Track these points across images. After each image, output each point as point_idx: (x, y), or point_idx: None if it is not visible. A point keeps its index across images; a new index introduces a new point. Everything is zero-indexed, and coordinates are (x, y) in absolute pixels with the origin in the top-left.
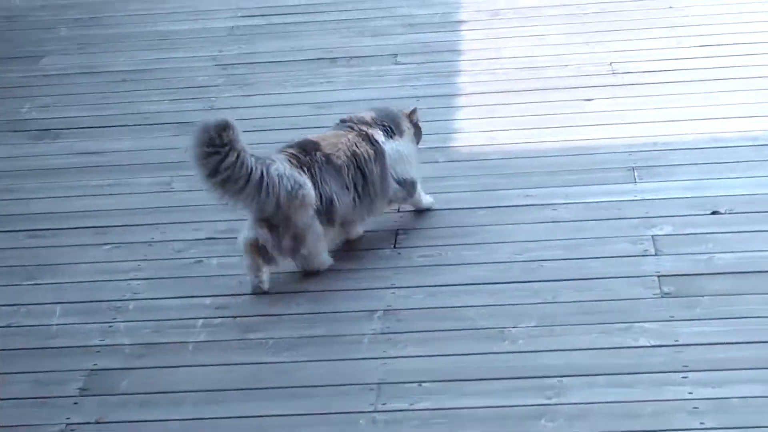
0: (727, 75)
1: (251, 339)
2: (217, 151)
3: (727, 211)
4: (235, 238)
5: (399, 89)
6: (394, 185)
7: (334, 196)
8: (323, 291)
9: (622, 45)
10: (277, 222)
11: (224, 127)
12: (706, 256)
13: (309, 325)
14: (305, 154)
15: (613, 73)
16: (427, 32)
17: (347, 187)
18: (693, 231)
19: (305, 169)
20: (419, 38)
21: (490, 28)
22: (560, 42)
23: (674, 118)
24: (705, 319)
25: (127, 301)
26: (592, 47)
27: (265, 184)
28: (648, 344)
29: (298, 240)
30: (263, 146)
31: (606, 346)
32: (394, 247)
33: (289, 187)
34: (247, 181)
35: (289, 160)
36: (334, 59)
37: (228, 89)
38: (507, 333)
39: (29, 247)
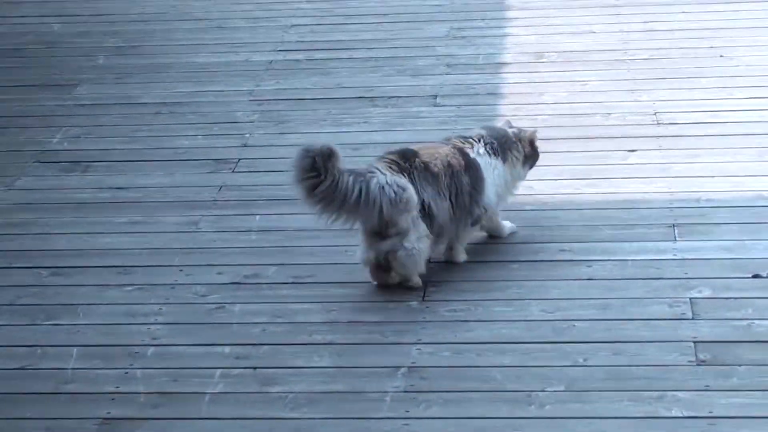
0: None
1: (270, 392)
2: (313, 176)
3: None
4: (259, 284)
5: (437, 132)
6: (485, 203)
7: (432, 202)
8: (347, 344)
9: (668, 94)
10: (386, 231)
11: (328, 155)
12: (745, 323)
13: (331, 380)
14: (405, 160)
15: (658, 124)
16: (468, 73)
17: (443, 195)
18: (733, 295)
19: (405, 174)
20: (460, 79)
21: (533, 72)
22: (604, 89)
23: (719, 173)
24: (741, 390)
25: (145, 347)
26: (637, 95)
27: (363, 199)
28: (681, 415)
29: (401, 236)
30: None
31: (637, 416)
32: (423, 299)
33: (393, 194)
34: (344, 201)
35: (390, 167)
36: (372, 99)
37: (263, 126)
38: (534, 397)
39: (50, 285)
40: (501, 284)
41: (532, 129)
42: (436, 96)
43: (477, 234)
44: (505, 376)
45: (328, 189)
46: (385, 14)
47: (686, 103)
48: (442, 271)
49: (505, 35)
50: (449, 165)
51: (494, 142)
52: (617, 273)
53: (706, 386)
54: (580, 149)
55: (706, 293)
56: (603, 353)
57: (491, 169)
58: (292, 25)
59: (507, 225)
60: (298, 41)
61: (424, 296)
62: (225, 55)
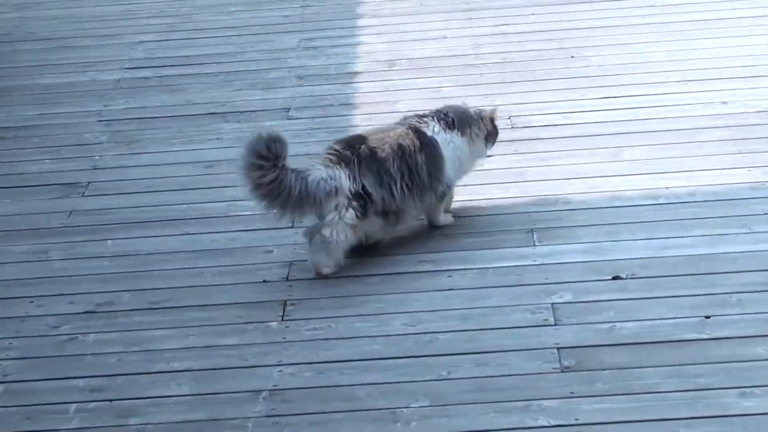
0: (630, 129)
1: (128, 425)
2: (262, 165)
3: (629, 276)
4: (113, 311)
5: (291, 146)
6: (448, 174)
7: (371, 189)
8: (206, 370)
9: (521, 97)
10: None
11: (274, 140)
12: (607, 326)
13: (190, 409)
14: (348, 149)
15: (512, 128)
16: (320, 84)
17: (393, 178)
18: (593, 298)
19: (343, 163)
20: (312, 91)
21: (386, 80)
22: (458, 94)
23: (574, 175)
24: (606, 395)
25: None
26: (491, 100)
27: (304, 198)
28: (547, 424)
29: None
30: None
31: (503, 427)
32: (283, 319)
33: (327, 189)
34: (287, 198)
35: (330, 160)
36: (224, 114)
37: (112, 147)
38: (399, 414)
39: None
40: (361, 299)
41: (492, 107)
42: (289, 109)
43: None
44: (369, 394)
45: (274, 182)
46: (234, 27)
47: (539, 106)
48: (301, 288)
49: (356, 44)
50: (399, 146)
51: (451, 116)
52: (478, 282)
53: (572, 393)
54: None
55: (568, 298)
56: (467, 365)
57: (448, 144)
58: (140, 42)
59: (446, 218)
60: (146, 58)
61: (283, 316)
62: (71, 75)
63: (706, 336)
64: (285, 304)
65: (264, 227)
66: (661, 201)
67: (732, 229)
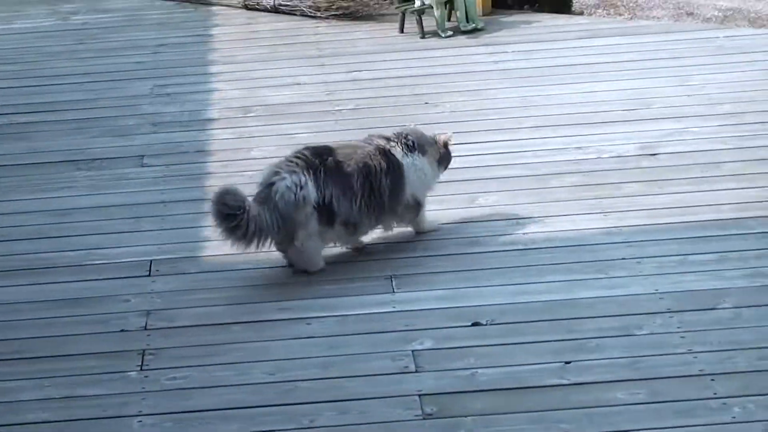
0: (486, 175)
1: None
2: (229, 215)
3: (488, 322)
4: None
5: (146, 193)
6: (406, 200)
7: (334, 200)
8: (64, 422)
9: None
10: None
11: (231, 193)
12: (468, 372)
13: None
14: (317, 157)
15: None
16: (175, 131)
17: (354, 193)
18: (454, 345)
19: (311, 170)
20: (167, 138)
21: (241, 127)
22: (314, 140)
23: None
24: None
25: None
26: None
27: (275, 222)
28: None
29: (291, 234)
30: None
31: None
32: (141, 369)
33: (295, 200)
34: (262, 229)
35: (296, 163)
36: (77, 162)
37: None
38: None
39: None
40: (221, 348)
41: (446, 134)
42: (144, 156)
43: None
44: None
45: (242, 227)
46: (86, 74)
47: None
48: (160, 337)
49: (210, 90)
50: (365, 165)
51: (411, 139)
52: (338, 329)
53: None
54: None
55: (428, 344)
56: (328, 413)
57: (411, 166)
58: None
59: (431, 224)
60: None
61: (142, 365)
62: None
63: (566, 381)
64: (144, 354)
65: (120, 276)
66: (519, 247)
67: (588, 274)
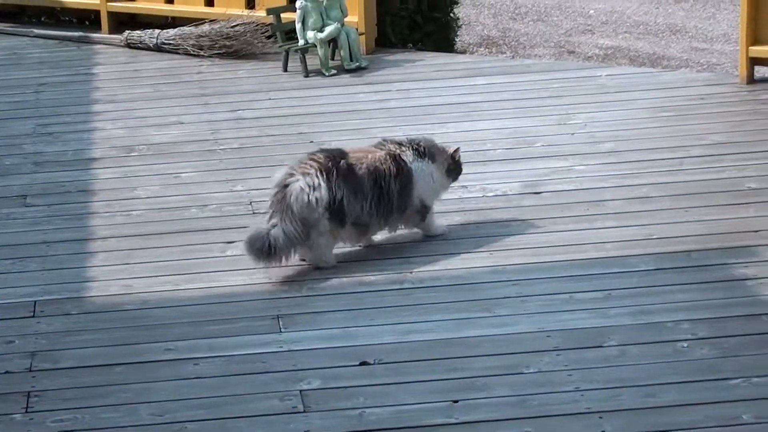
0: None
1: None
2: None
3: (376, 362)
4: None
5: (29, 233)
6: (414, 204)
7: (345, 200)
8: None
9: (262, 182)
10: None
11: (256, 248)
12: (357, 412)
13: None
14: (330, 159)
15: (254, 213)
16: (58, 171)
17: (364, 196)
18: (342, 384)
19: (323, 173)
20: (50, 177)
21: (125, 166)
22: (198, 180)
23: None
24: None
25: None
26: (231, 185)
27: (300, 232)
28: None
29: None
30: None
31: None
32: (26, 411)
33: (306, 199)
34: (290, 247)
35: (310, 166)
36: None
37: None
38: None
39: None
40: (107, 389)
41: (454, 147)
42: (26, 196)
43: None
44: None
45: (273, 252)
46: None
47: None
48: (46, 379)
49: (93, 130)
50: (376, 169)
51: (423, 145)
52: (224, 369)
53: None
54: (178, 244)
55: (316, 384)
56: None
57: (421, 171)
58: None
59: (441, 228)
60: None
61: (27, 408)
62: None
63: (454, 420)
64: (29, 396)
65: (4, 317)
66: (406, 286)
67: (475, 313)
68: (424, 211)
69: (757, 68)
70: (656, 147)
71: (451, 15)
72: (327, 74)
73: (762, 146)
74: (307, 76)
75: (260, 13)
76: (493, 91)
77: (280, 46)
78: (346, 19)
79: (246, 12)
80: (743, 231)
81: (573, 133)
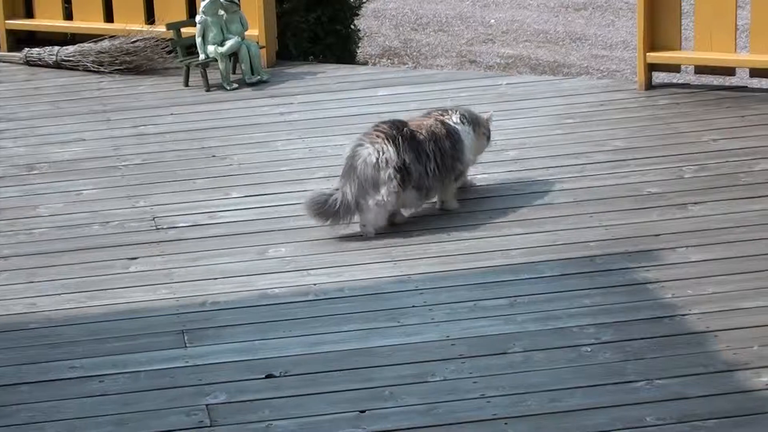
0: (276, 227)
1: None
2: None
3: (282, 374)
4: None
5: None
6: (464, 163)
7: (411, 164)
8: None
9: (165, 198)
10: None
11: (317, 207)
12: (264, 425)
13: None
14: (394, 128)
15: (157, 229)
16: None
17: (428, 157)
18: (248, 397)
19: (390, 140)
20: None
21: (26, 184)
22: (100, 197)
23: (222, 274)
24: None
25: None
26: (134, 201)
27: (362, 189)
28: None
29: (370, 196)
30: None
31: None
32: None
33: (374, 160)
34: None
35: (377, 135)
36: None
37: None
38: None
39: None
40: (14, 408)
41: (488, 114)
42: None
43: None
44: None
45: (335, 214)
46: None
47: (184, 206)
48: None
49: None
50: (433, 133)
51: (466, 114)
52: (131, 386)
53: None
54: (81, 261)
55: (222, 398)
56: None
57: (467, 134)
58: None
59: (455, 203)
60: None
61: None
62: None
63: (362, 430)
64: None
65: None
66: (311, 297)
67: (382, 322)
68: (463, 172)
69: (655, 74)
70: (559, 154)
71: (352, 27)
72: (228, 88)
73: (662, 151)
74: (208, 90)
75: (160, 29)
76: (396, 101)
77: (180, 61)
78: (246, 33)
79: (146, 27)
80: (645, 235)
81: None
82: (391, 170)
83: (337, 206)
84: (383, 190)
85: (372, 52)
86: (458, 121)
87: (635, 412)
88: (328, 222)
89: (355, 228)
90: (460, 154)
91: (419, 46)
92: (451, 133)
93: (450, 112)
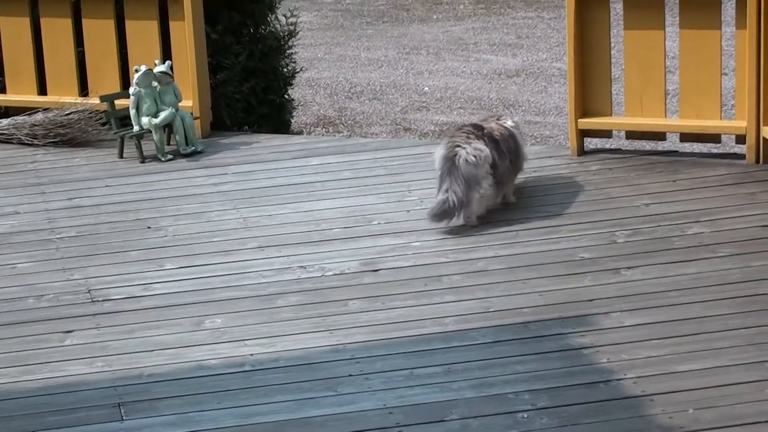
0: (211, 298)
1: None
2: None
3: None
4: None
5: None
6: (523, 159)
7: (496, 160)
8: None
9: (100, 270)
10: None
11: (441, 213)
12: None
13: None
14: (478, 129)
15: (92, 301)
16: None
17: (505, 156)
18: None
19: (479, 138)
20: None
21: None
22: (35, 270)
23: (158, 346)
24: None
25: None
26: (69, 274)
27: (470, 187)
28: None
29: (472, 190)
30: None
31: None
32: None
33: (474, 159)
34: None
35: (468, 136)
36: None
37: None
38: None
39: None
40: None
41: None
42: None
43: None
44: None
45: (454, 213)
46: None
47: (119, 278)
48: None
49: None
50: (502, 135)
51: (515, 120)
52: None
53: None
54: (16, 335)
55: None
56: None
57: (521, 136)
58: None
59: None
60: None
61: None
62: None
63: None
64: None
65: None
66: (246, 368)
67: (318, 392)
68: (519, 172)
69: (587, 140)
70: (492, 220)
71: (286, 96)
72: (163, 159)
73: (594, 216)
74: (143, 161)
75: (94, 101)
76: (330, 170)
77: (115, 133)
78: (180, 104)
79: (79, 100)
80: (579, 300)
81: (409, 210)
82: (487, 166)
83: (453, 205)
84: (485, 184)
85: (307, 120)
86: (513, 124)
87: None
88: (450, 222)
89: (290, 299)
90: (522, 153)
91: (354, 114)
92: (513, 135)
93: (503, 117)
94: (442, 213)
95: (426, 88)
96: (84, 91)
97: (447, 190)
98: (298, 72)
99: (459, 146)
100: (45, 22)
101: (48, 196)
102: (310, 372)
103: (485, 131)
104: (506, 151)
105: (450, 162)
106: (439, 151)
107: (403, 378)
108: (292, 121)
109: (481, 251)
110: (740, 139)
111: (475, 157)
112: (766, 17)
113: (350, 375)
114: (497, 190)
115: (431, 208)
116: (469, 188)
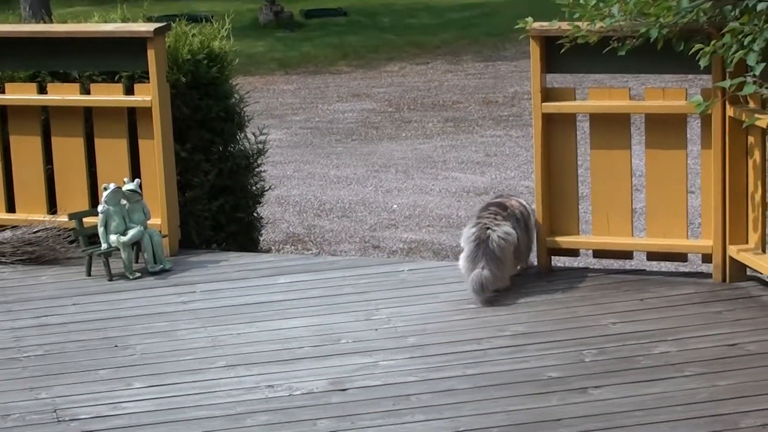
0: (178, 417)
1: None
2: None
3: None
4: None
5: None
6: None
7: (520, 238)
8: None
9: (68, 389)
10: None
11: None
12: None
13: None
14: (503, 209)
15: (59, 421)
16: None
17: (524, 233)
18: None
19: (506, 219)
20: None
21: None
22: (0, 389)
23: None
24: None
25: None
26: (35, 393)
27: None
28: None
29: (503, 267)
30: None
31: None
32: None
33: (504, 243)
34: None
35: (495, 217)
36: None
37: None
38: None
39: None
40: None
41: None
42: None
43: None
44: None
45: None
46: None
47: (86, 397)
48: None
49: None
50: (522, 213)
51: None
52: None
53: None
54: None
55: None
56: None
57: (534, 213)
58: None
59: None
60: None
61: None
62: None
63: None
64: None
65: None
66: None
67: None
68: (533, 246)
69: (555, 258)
70: (460, 339)
71: (255, 214)
72: (131, 277)
73: (560, 335)
74: (111, 279)
75: (62, 218)
76: (299, 288)
77: (83, 251)
78: (149, 222)
79: (48, 217)
80: (546, 420)
81: (377, 329)
82: (513, 247)
83: (491, 284)
84: (509, 263)
85: (276, 238)
86: (526, 203)
87: None
88: (488, 295)
89: (259, 418)
90: (535, 229)
91: (323, 231)
92: (528, 212)
93: (514, 196)
94: (483, 290)
95: (395, 206)
96: (52, 208)
97: (483, 268)
98: (267, 190)
99: (489, 228)
100: (14, 140)
101: (15, 314)
102: None
103: (509, 211)
104: (525, 226)
105: (482, 243)
106: (469, 230)
107: None
108: (261, 239)
109: (449, 370)
110: (707, 258)
111: (504, 240)
112: (731, 137)
113: None
114: (519, 262)
115: (471, 285)
116: (502, 266)
